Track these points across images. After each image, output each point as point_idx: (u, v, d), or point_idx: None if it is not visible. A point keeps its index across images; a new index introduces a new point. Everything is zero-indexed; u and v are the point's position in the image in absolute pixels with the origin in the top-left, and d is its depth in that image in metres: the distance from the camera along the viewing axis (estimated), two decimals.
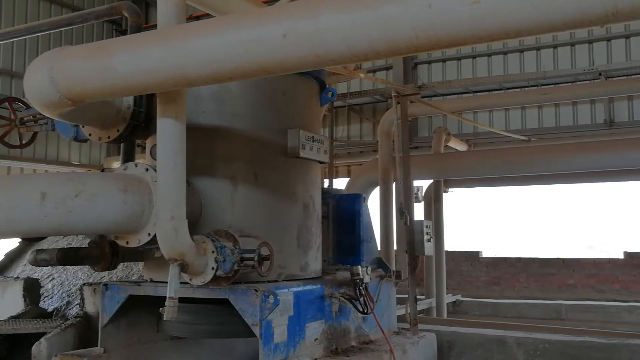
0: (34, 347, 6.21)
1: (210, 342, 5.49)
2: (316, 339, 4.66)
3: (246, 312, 4.11)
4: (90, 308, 7.72)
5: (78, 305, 8.31)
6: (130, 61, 3.30)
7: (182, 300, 4.15)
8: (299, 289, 4.54)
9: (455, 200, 11.24)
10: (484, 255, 12.59)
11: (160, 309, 3.75)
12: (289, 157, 4.72)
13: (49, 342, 6.25)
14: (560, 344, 6.03)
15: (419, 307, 8.60)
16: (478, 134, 12.31)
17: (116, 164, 14.11)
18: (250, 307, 4.10)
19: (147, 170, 4.11)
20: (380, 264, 5.93)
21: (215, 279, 3.97)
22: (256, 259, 3.99)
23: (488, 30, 2.49)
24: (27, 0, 14.14)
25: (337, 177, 14.03)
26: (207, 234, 4.09)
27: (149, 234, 4.03)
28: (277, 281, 4.53)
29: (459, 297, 11.12)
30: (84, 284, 8.08)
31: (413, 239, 6.04)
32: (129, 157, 5.41)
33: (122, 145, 5.35)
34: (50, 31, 6.96)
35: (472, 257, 12.32)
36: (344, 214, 5.67)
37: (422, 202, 11.56)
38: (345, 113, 13.82)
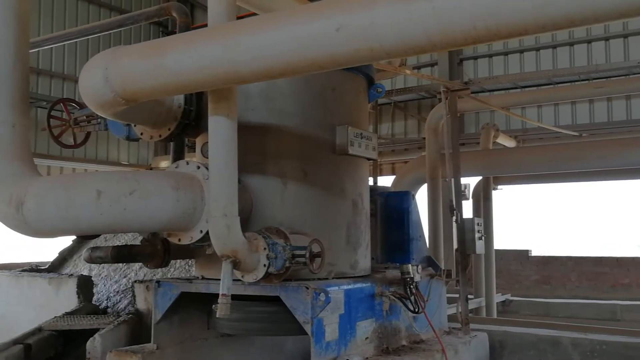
0: (88, 343, 6.35)
1: (260, 340, 5.51)
2: (367, 338, 4.62)
3: (297, 310, 4.10)
4: (141, 305, 7.85)
5: (130, 302, 8.48)
6: (184, 59, 3.32)
7: (233, 297, 4.17)
8: (350, 287, 4.51)
9: (503, 197, 10.99)
10: (534, 253, 12.31)
11: (213, 306, 3.76)
12: (337, 154, 4.69)
13: (103, 338, 6.38)
14: (619, 345, 5.83)
15: (470, 307, 8.44)
16: (526, 130, 12.03)
17: (164, 164, 14.35)
18: (302, 305, 4.08)
19: (198, 168, 4.14)
20: (430, 262, 5.85)
21: (267, 276, 3.97)
22: (307, 255, 3.97)
23: (552, 19, 2.40)
24: (77, 4, 14.50)
25: (381, 175, 13.95)
26: (258, 231, 4.09)
27: (201, 231, 4.05)
28: (327, 279, 4.50)
29: (508, 296, 10.88)
30: (135, 281, 8.24)
31: (464, 237, 5.92)
32: (178, 156, 5.47)
33: (172, 144, 5.42)
34: (102, 33, 7.11)
35: (522, 255, 12.04)
36: (393, 212, 5.60)
37: (470, 200, 11.39)
38: (390, 110, 13.70)
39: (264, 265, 3.92)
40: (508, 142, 10.84)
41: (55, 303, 8.79)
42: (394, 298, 4.87)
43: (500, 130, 10.78)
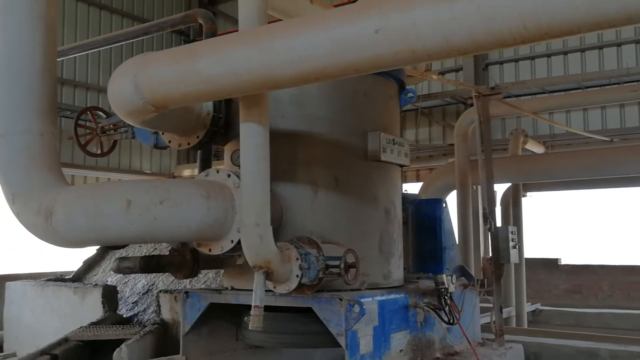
0: (115, 354, 6.28)
1: (288, 351, 5.39)
2: (401, 350, 4.48)
3: (331, 322, 3.98)
4: (166, 315, 7.78)
5: (155, 312, 8.41)
6: (216, 64, 3.23)
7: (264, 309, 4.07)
8: (383, 298, 4.37)
9: (532, 204, 10.76)
10: (563, 262, 12.03)
11: (246, 318, 3.66)
12: (369, 161, 4.57)
13: (129, 349, 6.31)
14: None
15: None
16: (555, 135, 11.80)
17: (187, 172, 14.35)
18: (335, 317, 3.96)
19: (229, 176, 4.04)
20: (462, 272, 5.68)
21: (300, 287, 3.85)
22: (342, 266, 3.84)
23: (607, 16, 2.26)
24: (100, 14, 14.60)
25: (405, 182, 13.77)
26: (289, 241, 3.98)
27: (232, 241, 3.96)
28: (359, 289, 4.37)
29: (538, 305, 10.62)
30: (160, 291, 8.17)
31: (498, 245, 5.75)
32: (206, 164, 5.39)
33: (199, 152, 5.34)
34: (128, 41, 7.10)
35: (550, 264, 11.77)
36: (424, 220, 5.46)
37: (498, 207, 11.16)
38: (414, 116, 13.54)
39: (297, 276, 3.80)
40: (537, 148, 10.63)
41: (80, 313, 8.76)
42: (428, 309, 4.72)
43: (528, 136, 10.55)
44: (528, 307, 10.10)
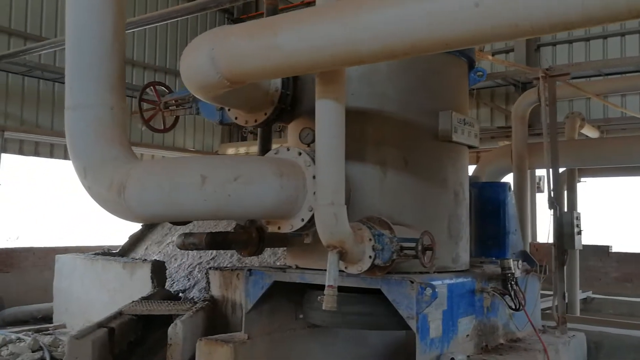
0: (170, 329, 6.33)
1: (344, 332, 5.35)
2: (467, 335, 4.39)
3: (401, 304, 3.90)
4: (215, 292, 7.83)
5: (204, 289, 8.47)
6: (297, 39, 3.14)
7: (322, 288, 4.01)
8: (452, 281, 4.28)
9: (584, 190, 10.45)
10: (615, 249, 11.72)
11: (319, 298, 3.60)
12: (440, 141, 4.45)
13: (184, 324, 6.36)
14: None
15: (548, 305, 8.06)
16: (609, 119, 11.43)
17: (230, 150, 14.37)
18: (406, 300, 3.88)
19: (300, 154, 3.98)
20: (525, 257, 5.52)
21: (372, 268, 3.78)
22: (420, 248, 3.75)
23: None
24: None
25: None
26: (360, 221, 3.91)
27: (302, 220, 3.90)
28: (428, 273, 4.27)
29: (589, 293, 10.39)
30: (210, 268, 8.21)
31: (562, 231, 5.59)
32: (266, 142, 5.33)
33: (259, 130, 5.28)
34: (185, 17, 7.07)
35: (601, 251, 11.46)
36: (488, 204, 5.30)
37: (545, 193, 10.92)
38: None
39: (370, 257, 3.73)
40: (592, 133, 10.31)
41: (129, 287, 8.87)
42: (495, 294, 4.61)
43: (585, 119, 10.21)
44: (579, 295, 9.87)
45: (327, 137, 3.56)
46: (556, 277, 5.57)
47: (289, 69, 3.34)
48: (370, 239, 3.74)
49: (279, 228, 4.01)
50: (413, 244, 3.78)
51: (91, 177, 3.95)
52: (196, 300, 7.85)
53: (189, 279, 9.40)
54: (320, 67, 3.29)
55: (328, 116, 3.55)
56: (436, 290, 3.87)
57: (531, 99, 8.49)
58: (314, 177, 3.83)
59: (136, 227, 11.64)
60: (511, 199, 5.43)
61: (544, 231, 10.94)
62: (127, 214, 3.85)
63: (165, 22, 7.13)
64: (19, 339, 8.34)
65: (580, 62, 11.58)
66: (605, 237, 11.91)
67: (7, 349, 7.78)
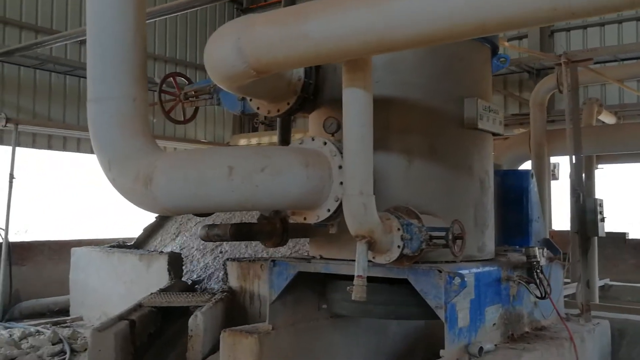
0: (190, 320, 6.34)
1: (366, 322, 5.34)
2: (494, 324, 4.37)
3: (429, 294, 3.87)
4: (233, 283, 7.83)
5: (220, 280, 8.47)
6: (327, 26, 3.09)
7: (347, 278, 3.98)
8: (479, 270, 4.25)
9: (599, 177, 10.35)
10: (631, 236, 11.64)
11: (348, 288, 3.57)
12: (465, 129, 4.40)
13: (204, 316, 6.36)
14: None
15: (566, 292, 8.00)
16: (625, 105, 11.31)
17: (242, 142, 14.35)
18: (434, 289, 3.85)
19: (325, 144, 3.93)
20: (548, 244, 5.48)
21: (400, 257, 3.75)
22: (450, 237, 3.72)
23: None
24: None
25: None
26: (388, 211, 3.87)
27: (328, 210, 3.86)
28: (454, 262, 4.24)
29: (607, 281, 10.32)
30: (227, 259, 8.21)
31: (585, 218, 5.53)
32: (285, 132, 5.31)
33: (279, 120, 5.25)
34: (197, 8, 7.01)
35: (618, 238, 11.38)
36: (511, 191, 5.26)
37: (558, 180, 10.85)
38: None
39: (398, 246, 3.70)
40: (609, 119, 10.20)
41: (145, 279, 8.89)
42: (521, 283, 4.58)
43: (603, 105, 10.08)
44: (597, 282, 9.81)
45: (356, 126, 3.53)
46: (579, 264, 5.51)
47: (318, 57, 3.29)
48: (398, 229, 3.71)
49: (304, 219, 3.98)
50: (442, 233, 3.75)
51: (116, 170, 3.93)
52: (214, 291, 7.86)
53: (205, 270, 9.41)
54: (351, 55, 3.24)
55: (356, 105, 3.51)
56: (465, 279, 3.84)
57: (550, 85, 8.40)
58: (339, 167, 3.79)
59: (150, 219, 11.67)
60: (534, 186, 5.38)
61: (558, 218, 10.91)
62: (153, 206, 3.83)
63: (175, 14, 7.06)
64: (38, 331, 8.40)
65: (597, 47, 11.45)
66: (622, 224, 11.82)
67: (27, 342, 7.83)
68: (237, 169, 3.54)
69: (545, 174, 8.45)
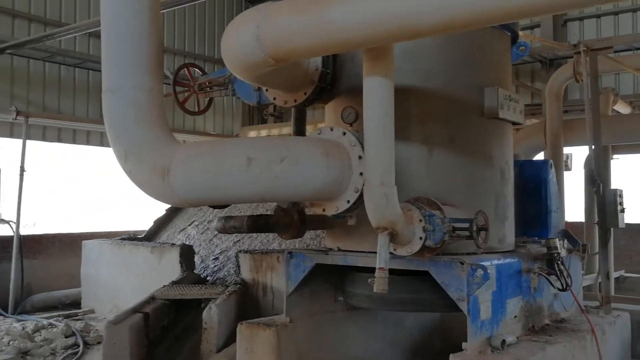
0: (205, 313, 6.30)
1: (382, 314, 5.30)
2: (515, 316, 4.31)
3: (450, 286, 3.81)
4: (246, 275, 7.79)
5: (232, 272, 8.43)
6: (349, 13, 3.02)
7: (367, 270, 3.93)
8: (500, 262, 4.18)
9: (617, 167, 10.24)
10: None
11: (369, 280, 3.51)
12: (486, 118, 4.32)
13: (219, 308, 6.32)
14: None
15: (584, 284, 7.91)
16: (638, 95, 11.16)
17: (252, 133, 14.28)
18: (455, 281, 3.79)
19: (344, 134, 3.87)
20: (567, 236, 5.41)
21: (421, 249, 3.69)
22: (474, 229, 3.65)
23: None
24: None
25: None
26: (409, 201, 3.81)
27: (348, 201, 3.81)
28: (475, 253, 4.17)
29: (622, 272, 10.23)
30: (240, 251, 8.17)
31: (604, 209, 5.45)
32: (300, 123, 5.23)
33: (293, 110, 5.17)
34: None
35: (632, 230, 11.27)
36: (529, 182, 5.20)
37: (572, 171, 10.73)
38: None
39: (420, 238, 3.64)
40: (624, 109, 10.07)
41: (157, 272, 8.87)
42: (542, 274, 4.51)
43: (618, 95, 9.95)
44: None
45: (377, 116, 3.46)
46: (596, 257, 5.43)
47: (338, 45, 3.23)
48: (420, 220, 3.65)
49: (323, 210, 3.92)
50: (465, 225, 3.68)
51: (132, 161, 3.88)
52: (227, 283, 7.82)
53: (217, 263, 9.38)
54: (374, 42, 3.17)
55: (377, 93, 3.45)
56: (488, 271, 3.77)
57: (566, 75, 8.29)
58: (359, 157, 3.74)
59: (160, 211, 11.65)
60: (553, 177, 5.31)
61: (571, 209, 10.80)
62: (170, 198, 3.78)
63: (185, 5, 6.99)
64: (50, 324, 8.39)
65: (611, 36, 11.29)
66: (636, 215, 11.69)
67: (40, 335, 7.82)
68: (256, 159, 3.49)
69: (562, 164, 8.35)
